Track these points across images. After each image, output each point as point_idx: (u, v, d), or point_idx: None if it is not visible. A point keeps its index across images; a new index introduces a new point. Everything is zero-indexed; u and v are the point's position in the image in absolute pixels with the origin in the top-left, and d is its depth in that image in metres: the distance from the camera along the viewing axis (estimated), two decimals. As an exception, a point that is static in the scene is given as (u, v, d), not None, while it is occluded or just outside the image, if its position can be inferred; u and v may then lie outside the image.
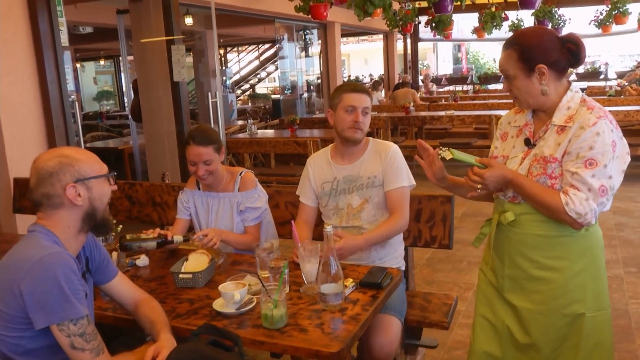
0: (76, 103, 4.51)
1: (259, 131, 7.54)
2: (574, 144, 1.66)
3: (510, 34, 11.23)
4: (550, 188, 1.70)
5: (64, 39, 4.28)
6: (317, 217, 2.58)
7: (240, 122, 9.56)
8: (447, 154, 1.77)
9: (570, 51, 1.72)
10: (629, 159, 1.69)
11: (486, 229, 1.92)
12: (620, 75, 13.23)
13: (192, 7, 8.09)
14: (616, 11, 9.61)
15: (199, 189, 2.63)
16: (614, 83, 12.33)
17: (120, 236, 2.23)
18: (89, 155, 1.62)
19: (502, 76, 1.81)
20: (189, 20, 9.80)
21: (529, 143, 1.80)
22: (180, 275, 2.07)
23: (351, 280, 1.98)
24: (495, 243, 1.89)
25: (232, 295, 1.81)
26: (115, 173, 1.69)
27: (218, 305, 1.85)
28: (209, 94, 5.42)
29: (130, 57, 7.36)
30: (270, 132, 7.52)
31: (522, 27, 11.51)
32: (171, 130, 5.78)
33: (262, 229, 2.61)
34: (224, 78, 12.72)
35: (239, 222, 2.55)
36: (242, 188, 2.57)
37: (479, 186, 1.75)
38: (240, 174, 2.60)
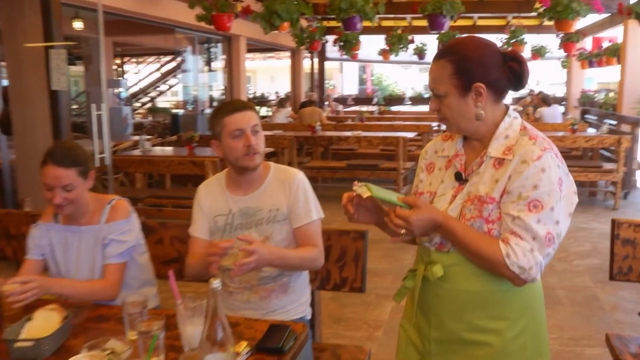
0: None
1: (155, 148, 6.94)
2: (515, 181, 1.38)
3: (415, 57, 11.47)
4: (487, 235, 1.40)
5: None
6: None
7: (136, 138, 8.87)
8: (364, 190, 1.43)
9: (512, 70, 1.45)
10: (576, 199, 1.44)
11: (409, 282, 1.59)
12: (516, 101, 13.89)
13: (84, 9, 7.33)
14: (514, 40, 9.99)
15: (57, 221, 2.12)
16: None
17: None
18: None
19: (431, 93, 1.51)
20: (78, 25, 9.02)
21: (460, 178, 1.50)
22: (17, 344, 1.56)
23: (245, 343, 1.58)
24: (420, 299, 1.56)
25: (80, 374, 1.35)
26: None
27: (62, 388, 1.38)
28: (93, 106, 4.80)
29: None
30: (168, 150, 6.94)
31: (432, 48, 11.71)
32: (48, 145, 5.09)
33: (133, 273, 2.14)
34: (118, 90, 11.88)
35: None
36: (111, 219, 2.09)
37: (403, 231, 1.42)
38: (110, 203, 2.12)
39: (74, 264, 2.06)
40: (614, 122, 8.00)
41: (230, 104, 2.01)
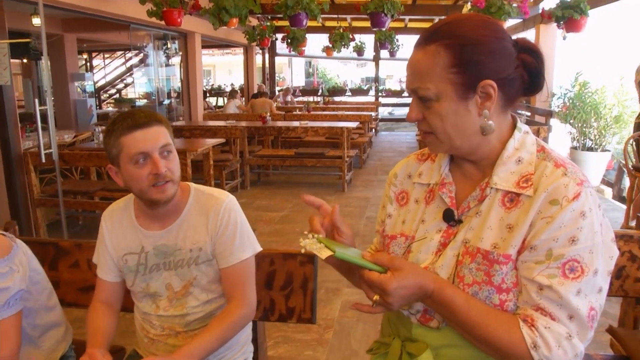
0: None
1: (111, 139, 6.04)
2: (543, 231, 0.79)
3: (354, 54, 10.83)
4: (500, 312, 0.81)
5: None
6: (125, 294, 1.49)
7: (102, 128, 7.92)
8: (319, 248, 0.80)
9: (525, 66, 0.84)
10: (616, 251, 0.83)
11: (380, 362, 0.97)
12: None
13: (46, 6, 6.26)
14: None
15: None
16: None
17: None
18: None
19: (411, 95, 0.87)
20: (37, 21, 7.89)
21: (451, 218, 0.89)
22: None
23: None
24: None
25: None
26: None
27: None
28: (36, 101, 3.94)
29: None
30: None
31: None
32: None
33: (31, 321, 1.45)
34: (84, 83, 10.74)
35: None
36: None
37: (376, 297, 0.80)
38: None
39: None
40: (528, 114, 7.68)
41: (129, 118, 1.26)
